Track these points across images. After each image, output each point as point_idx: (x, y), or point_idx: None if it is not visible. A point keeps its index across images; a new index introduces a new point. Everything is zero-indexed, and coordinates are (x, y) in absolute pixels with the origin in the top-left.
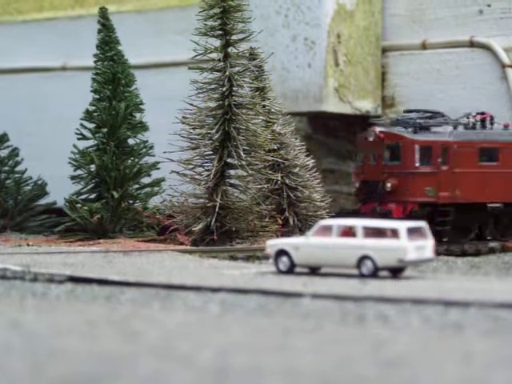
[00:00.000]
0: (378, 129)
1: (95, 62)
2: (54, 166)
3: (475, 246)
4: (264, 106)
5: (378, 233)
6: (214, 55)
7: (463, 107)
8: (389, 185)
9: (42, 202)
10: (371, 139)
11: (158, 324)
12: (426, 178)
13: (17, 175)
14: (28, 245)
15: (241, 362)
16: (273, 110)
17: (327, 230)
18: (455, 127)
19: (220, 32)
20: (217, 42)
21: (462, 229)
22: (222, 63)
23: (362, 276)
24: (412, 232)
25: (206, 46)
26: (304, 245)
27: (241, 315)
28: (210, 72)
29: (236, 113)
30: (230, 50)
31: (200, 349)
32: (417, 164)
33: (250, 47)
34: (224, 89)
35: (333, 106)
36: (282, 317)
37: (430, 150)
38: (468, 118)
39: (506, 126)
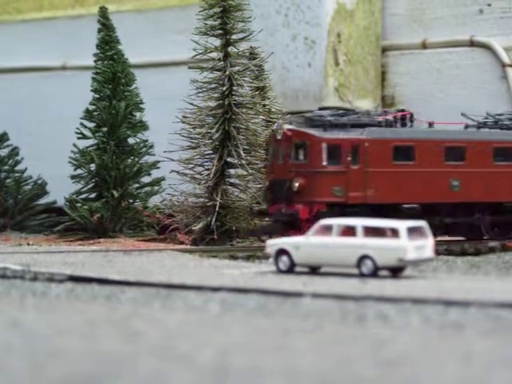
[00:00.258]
0: (285, 126)
1: (95, 61)
2: (54, 166)
3: (475, 245)
4: (264, 106)
5: (378, 232)
6: (214, 54)
7: (463, 107)
8: (296, 184)
9: (42, 201)
10: (279, 137)
11: (158, 324)
12: (335, 177)
13: (17, 174)
14: (28, 244)
15: (241, 361)
16: (273, 110)
17: (327, 229)
18: (370, 125)
19: (220, 31)
20: (217, 42)
21: None
22: (222, 62)
23: (362, 275)
24: (412, 231)
25: (206, 45)
26: (304, 244)
27: (241, 315)
28: (210, 71)
29: (236, 112)
30: (230, 49)
31: (200, 348)
32: (324, 163)
33: (250, 46)
34: (224, 88)
35: (332, 105)
36: (282, 316)
37: (338, 148)
38: (385, 115)
39: (430, 124)
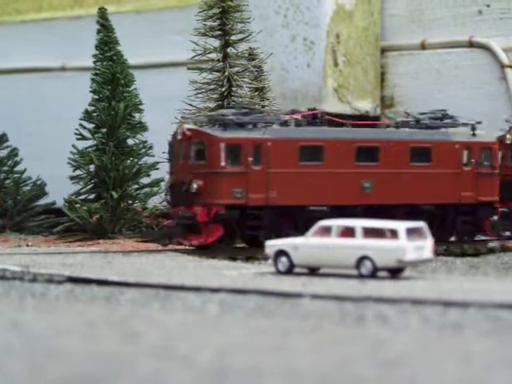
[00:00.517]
0: (185, 126)
1: (94, 62)
2: (53, 166)
3: (474, 246)
4: (263, 107)
5: (377, 233)
6: (213, 55)
7: (462, 107)
8: (194, 186)
9: (42, 202)
10: (179, 137)
11: (157, 324)
12: (234, 178)
13: (16, 175)
14: (27, 245)
15: (240, 362)
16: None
17: (326, 230)
18: (276, 124)
19: (219, 32)
20: (216, 43)
21: (283, 233)
22: (221, 63)
23: (361, 276)
24: (411, 232)
25: (205, 46)
26: (303, 245)
27: (240, 316)
28: (209, 72)
29: None
30: (229, 50)
31: (199, 349)
32: (222, 163)
33: (250, 47)
34: (223, 89)
35: (332, 106)
36: (282, 317)
37: (239, 148)
38: (293, 113)
39: (342, 124)
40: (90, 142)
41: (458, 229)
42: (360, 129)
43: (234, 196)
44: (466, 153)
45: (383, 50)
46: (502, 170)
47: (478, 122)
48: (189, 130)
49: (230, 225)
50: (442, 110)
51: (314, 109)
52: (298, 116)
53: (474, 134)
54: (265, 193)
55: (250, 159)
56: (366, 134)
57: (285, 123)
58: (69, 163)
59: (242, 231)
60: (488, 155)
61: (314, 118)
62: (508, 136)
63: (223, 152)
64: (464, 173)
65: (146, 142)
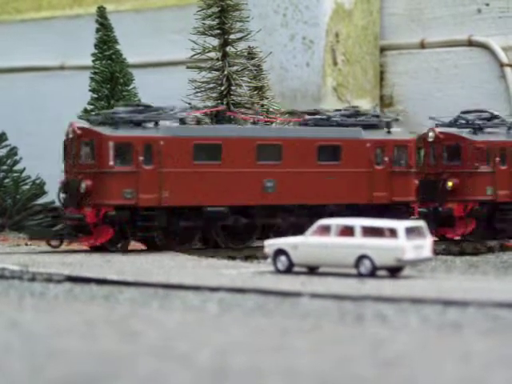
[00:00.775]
0: (76, 125)
1: (93, 61)
2: (52, 165)
3: (473, 245)
4: (262, 106)
5: (377, 232)
6: (212, 54)
7: (462, 106)
8: (83, 186)
9: (41, 201)
10: (71, 136)
11: (156, 324)
12: (124, 178)
13: (15, 174)
14: (26, 244)
15: (240, 362)
16: (271, 110)
17: (326, 229)
18: (172, 121)
19: (218, 31)
20: (215, 41)
21: (184, 234)
22: (220, 62)
23: (360, 275)
24: (410, 231)
25: (205, 45)
26: (302, 244)
27: (239, 315)
28: (208, 71)
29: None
30: (228, 49)
31: (199, 349)
32: (111, 163)
33: (249, 46)
34: (222, 88)
35: (331, 105)
36: (281, 316)
37: (129, 147)
38: (189, 109)
39: (256, 122)
40: None
41: None
42: (263, 127)
43: (123, 196)
44: (378, 151)
45: (382, 49)
46: (424, 169)
47: (396, 120)
48: (79, 128)
49: (120, 226)
50: (354, 106)
51: (216, 106)
52: (198, 113)
53: (389, 132)
54: (157, 193)
55: (141, 158)
56: (269, 131)
57: (182, 121)
58: None
59: (133, 233)
60: (403, 153)
61: (217, 116)
62: (430, 134)
63: (112, 151)
64: (376, 172)
65: None
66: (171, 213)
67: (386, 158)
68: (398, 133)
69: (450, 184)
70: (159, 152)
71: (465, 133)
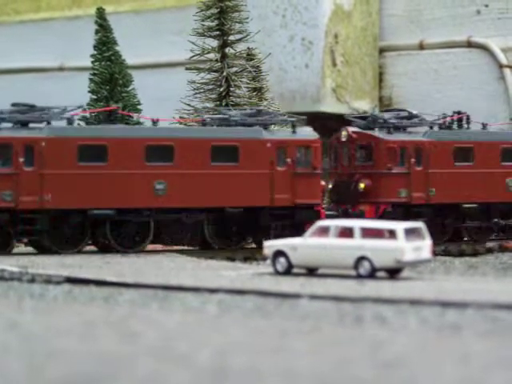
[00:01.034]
0: None
1: (92, 62)
2: None
3: (473, 246)
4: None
5: (376, 234)
6: (211, 56)
7: (461, 107)
8: None
9: None
10: None
11: (156, 325)
12: (3, 180)
13: None
14: (25, 245)
15: (239, 362)
16: (270, 111)
17: (325, 230)
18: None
19: (217, 32)
20: (214, 43)
21: (73, 237)
22: (219, 64)
23: (359, 277)
24: (409, 233)
25: (204, 46)
26: (302, 245)
27: (238, 316)
28: (207, 72)
29: None
30: (227, 50)
31: (198, 349)
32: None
33: (248, 47)
34: (221, 89)
35: (330, 106)
36: (280, 318)
37: (9, 148)
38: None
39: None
40: None
41: (277, 233)
42: (153, 127)
43: (2, 199)
44: (280, 152)
45: (381, 50)
46: (339, 170)
47: (302, 119)
48: None
49: (1, 229)
50: (257, 106)
51: (108, 105)
52: (87, 113)
53: (294, 132)
54: (38, 195)
55: (22, 160)
56: (159, 132)
57: (69, 121)
58: None
59: (16, 236)
60: (307, 154)
61: (110, 115)
62: (343, 133)
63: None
64: (277, 173)
65: None
66: (57, 216)
67: (289, 159)
68: (303, 133)
69: (361, 185)
70: (40, 153)
71: (378, 132)
